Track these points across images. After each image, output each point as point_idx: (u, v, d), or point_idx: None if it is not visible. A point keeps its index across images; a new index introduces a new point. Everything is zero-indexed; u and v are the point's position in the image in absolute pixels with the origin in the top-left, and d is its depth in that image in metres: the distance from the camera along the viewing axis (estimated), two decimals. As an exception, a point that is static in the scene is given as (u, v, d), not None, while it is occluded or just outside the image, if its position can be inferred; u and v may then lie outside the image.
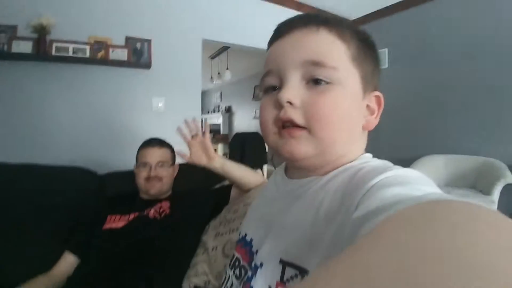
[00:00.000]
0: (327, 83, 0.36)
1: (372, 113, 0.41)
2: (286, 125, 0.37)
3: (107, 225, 0.99)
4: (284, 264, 0.35)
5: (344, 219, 0.30)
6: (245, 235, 0.49)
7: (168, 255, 0.93)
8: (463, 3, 2.63)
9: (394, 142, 3.17)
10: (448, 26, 2.73)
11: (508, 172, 2.13)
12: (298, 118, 0.36)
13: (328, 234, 0.31)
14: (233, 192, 1.17)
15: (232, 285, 0.46)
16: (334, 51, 0.37)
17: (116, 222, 1.00)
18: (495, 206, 2.08)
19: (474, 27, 2.55)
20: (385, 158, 0.42)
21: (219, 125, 7.74)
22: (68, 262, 0.95)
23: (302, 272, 0.33)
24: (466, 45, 2.62)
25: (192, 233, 1.05)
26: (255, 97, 6.28)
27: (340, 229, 0.30)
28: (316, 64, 0.36)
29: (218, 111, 8.08)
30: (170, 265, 0.92)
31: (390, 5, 3.17)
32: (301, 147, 0.37)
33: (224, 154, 5.47)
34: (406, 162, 2.52)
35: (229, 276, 0.48)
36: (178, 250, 0.96)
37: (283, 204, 0.42)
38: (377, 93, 0.41)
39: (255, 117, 6.34)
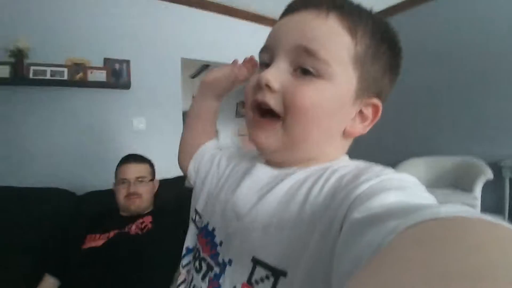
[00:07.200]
0: (314, 75, 0.33)
1: (363, 120, 0.37)
2: (261, 108, 0.35)
3: (87, 245, 0.96)
4: (256, 263, 0.32)
5: (333, 217, 0.27)
6: (207, 223, 0.43)
7: (153, 269, 0.91)
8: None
9: (374, 146, 3.22)
10: (424, 31, 2.83)
11: (488, 168, 2.18)
12: (274, 103, 0.34)
13: (316, 233, 0.28)
14: None
15: (192, 279, 0.42)
16: (334, 44, 0.33)
17: (96, 241, 0.97)
18: (478, 203, 2.14)
19: (450, 32, 2.66)
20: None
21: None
22: (48, 285, 0.92)
23: (277, 273, 0.29)
24: (439, 48, 2.71)
25: (177, 244, 1.02)
26: (238, 114, 6.33)
27: (328, 228, 0.27)
28: (308, 52, 0.33)
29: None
30: (156, 278, 0.90)
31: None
32: (268, 139, 0.36)
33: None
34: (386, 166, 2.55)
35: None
36: (163, 263, 0.94)
37: (256, 193, 0.38)
38: (376, 101, 0.36)
39: (239, 134, 6.38)
